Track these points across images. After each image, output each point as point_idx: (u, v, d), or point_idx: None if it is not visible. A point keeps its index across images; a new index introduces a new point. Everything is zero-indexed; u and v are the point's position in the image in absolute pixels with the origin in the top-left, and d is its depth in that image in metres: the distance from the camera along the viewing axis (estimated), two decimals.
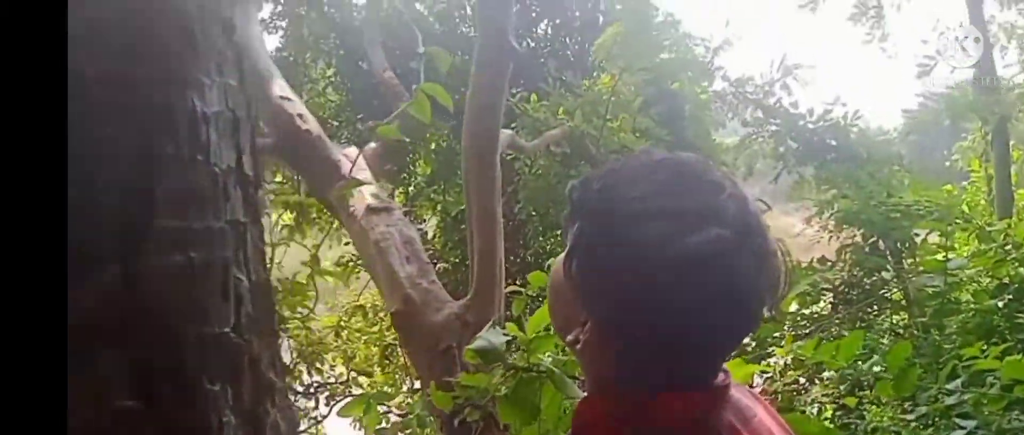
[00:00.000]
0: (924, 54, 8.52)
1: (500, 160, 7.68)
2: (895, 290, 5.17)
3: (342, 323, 7.82)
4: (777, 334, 4.67)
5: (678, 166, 1.04)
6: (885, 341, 4.75)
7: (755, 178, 6.70)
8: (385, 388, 7.86)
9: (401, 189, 8.96)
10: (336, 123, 9.12)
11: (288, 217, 8.17)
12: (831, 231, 5.74)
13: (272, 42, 9.88)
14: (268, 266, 1.23)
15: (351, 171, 5.02)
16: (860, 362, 3.73)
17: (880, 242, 5.34)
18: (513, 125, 7.27)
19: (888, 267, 5.25)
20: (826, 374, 4.48)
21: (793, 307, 5.21)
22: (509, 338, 2.29)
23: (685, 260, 0.93)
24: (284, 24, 9.60)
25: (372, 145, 5.95)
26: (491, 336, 2.21)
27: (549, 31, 9.73)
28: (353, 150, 5.47)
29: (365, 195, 4.87)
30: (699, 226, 0.94)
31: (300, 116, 5.19)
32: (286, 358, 7.33)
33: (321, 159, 5.09)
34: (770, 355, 4.70)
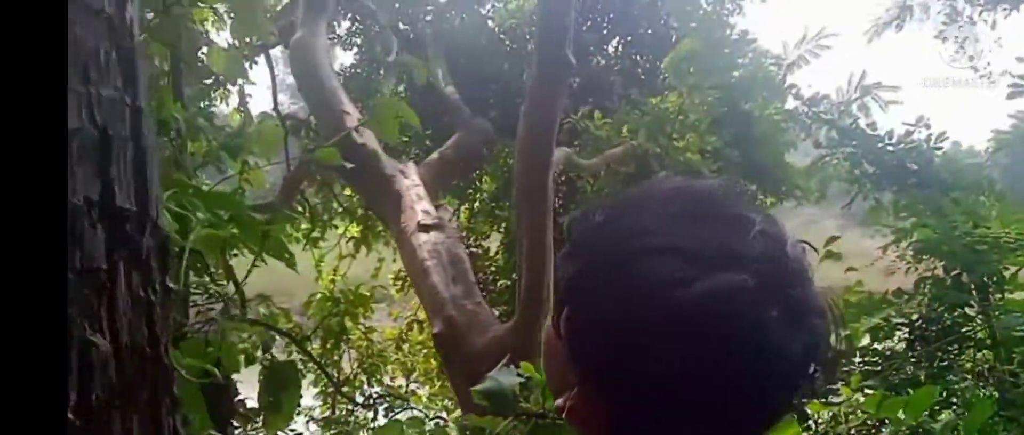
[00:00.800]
0: (1018, 75, 7.78)
1: (562, 179, 7.42)
2: (979, 329, 4.61)
3: (403, 335, 7.65)
4: (846, 369, 4.21)
5: (698, 195, 0.81)
6: (967, 383, 4.23)
7: (828, 201, 6.19)
8: (444, 402, 7.64)
9: (467, 205, 8.75)
10: (405, 138, 8.99)
11: (354, 229, 8.09)
12: (909, 262, 5.20)
13: (347, 58, 9.89)
14: (160, 320, 0.97)
15: (404, 187, 4.84)
16: (936, 410, 3.27)
17: (964, 275, 4.78)
18: (576, 143, 6.99)
19: (972, 303, 4.69)
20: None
21: (864, 341, 4.72)
22: (523, 379, 1.99)
23: (688, 311, 0.70)
24: (359, 41, 9.57)
25: (431, 159, 5.78)
26: (501, 377, 1.92)
27: (620, 49, 9.38)
28: (411, 166, 5.29)
29: (417, 211, 4.67)
30: (712, 269, 0.71)
31: (357, 130, 5.03)
32: (346, 368, 7.20)
33: (375, 173, 4.93)
34: (836, 392, 4.23)
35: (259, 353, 3.23)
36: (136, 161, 0.94)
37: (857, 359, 4.61)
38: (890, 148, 4.93)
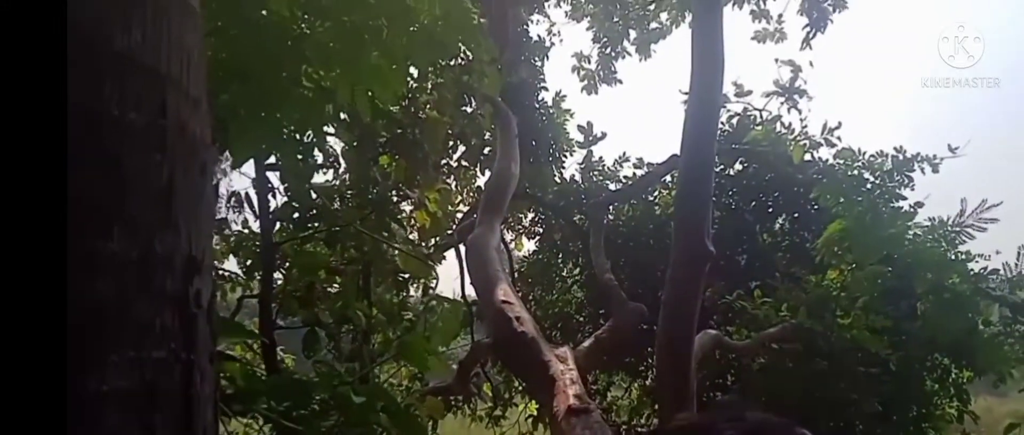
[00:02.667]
0: None
1: (732, 356, 7.06)
2: None
3: None
4: None
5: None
6: None
7: (1012, 383, 5.36)
8: None
9: (638, 382, 8.52)
10: (580, 318, 9.09)
11: (533, 407, 8.11)
12: None
13: (530, 245, 10.36)
14: None
15: (559, 372, 4.86)
16: None
17: None
18: (737, 322, 6.69)
19: None
20: None
21: None
22: None
23: None
24: (540, 230, 10.04)
25: (585, 344, 5.77)
26: None
27: (786, 225, 9.07)
28: (567, 350, 5.32)
29: (568, 395, 4.64)
30: None
31: (518, 319, 5.19)
32: None
33: (533, 360, 4.99)
34: None
35: None
36: (183, 408, 1.10)
37: None
38: None
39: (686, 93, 4.95)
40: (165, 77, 1.14)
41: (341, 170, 5.56)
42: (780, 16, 9.77)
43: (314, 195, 4.67)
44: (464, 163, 8.88)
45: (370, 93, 2.92)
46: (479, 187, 9.04)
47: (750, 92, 9.45)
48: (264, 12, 2.48)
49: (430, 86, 6.31)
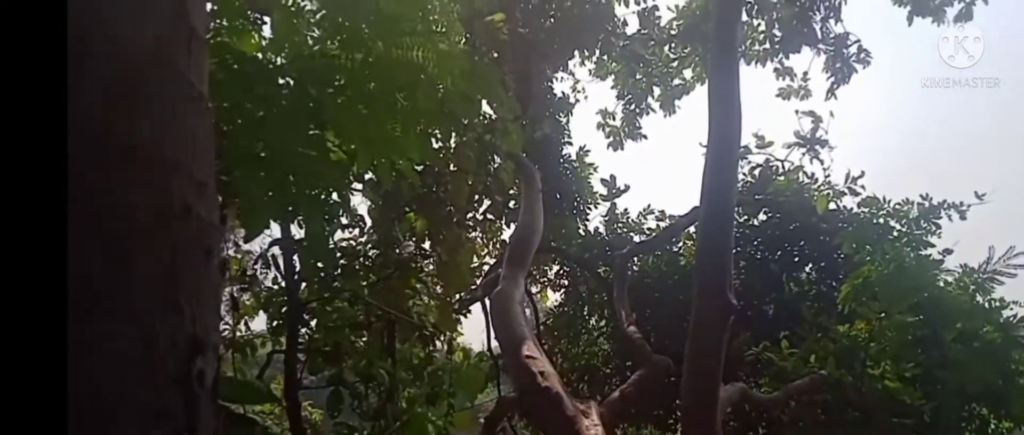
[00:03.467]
0: None
1: (751, 410, 6.86)
2: None
3: None
4: None
5: None
6: None
7: None
8: None
9: (668, 434, 8.31)
10: (607, 370, 8.94)
11: None
12: None
13: (555, 297, 10.27)
14: None
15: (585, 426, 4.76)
16: None
17: None
18: (766, 375, 6.52)
19: None
20: None
21: None
22: None
23: None
24: (565, 283, 9.97)
25: (611, 398, 5.66)
26: None
27: (813, 275, 8.88)
28: (592, 405, 5.22)
29: None
30: None
31: (542, 374, 5.11)
32: None
33: (558, 415, 4.90)
34: None
35: None
36: None
37: None
38: None
39: (705, 146, 4.93)
40: (170, 162, 1.16)
41: (367, 227, 5.60)
42: (805, 74, 9.76)
43: (339, 254, 4.70)
44: (489, 217, 8.89)
45: (393, 159, 2.95)
46: (504, 240, 9.04)
47: (771, 143, 9.41)
48: (289, 81, 2.53)
49: (453, 144, 6.38)
